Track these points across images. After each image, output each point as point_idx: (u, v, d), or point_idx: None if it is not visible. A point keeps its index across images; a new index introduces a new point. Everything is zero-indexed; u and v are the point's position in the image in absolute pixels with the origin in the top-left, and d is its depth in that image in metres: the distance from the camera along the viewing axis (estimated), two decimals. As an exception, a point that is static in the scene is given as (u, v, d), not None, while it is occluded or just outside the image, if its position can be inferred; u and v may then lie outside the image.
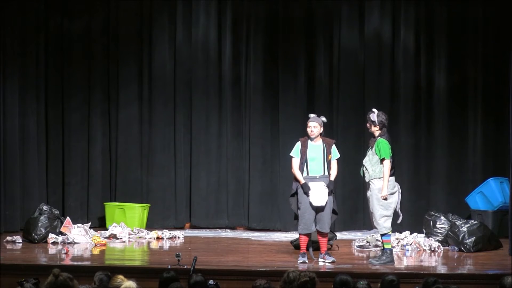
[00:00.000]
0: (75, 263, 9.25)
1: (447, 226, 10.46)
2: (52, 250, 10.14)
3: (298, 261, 8.97)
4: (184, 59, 12.53)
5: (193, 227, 12.49)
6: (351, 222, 12.24)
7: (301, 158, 8.98)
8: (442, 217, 10.62)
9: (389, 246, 9.03)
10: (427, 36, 12.21)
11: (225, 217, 12.48)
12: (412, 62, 12.23)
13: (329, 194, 8.92)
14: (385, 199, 8.78)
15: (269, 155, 12.51)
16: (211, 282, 6.14)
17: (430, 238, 10.42)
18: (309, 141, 9.02)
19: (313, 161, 8.95)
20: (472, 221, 10.38)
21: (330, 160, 8.97)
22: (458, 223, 10.30)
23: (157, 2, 12.52)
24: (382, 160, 8.83)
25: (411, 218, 11.93)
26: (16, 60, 11.68)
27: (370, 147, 8.97)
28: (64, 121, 12.43)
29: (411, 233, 10.66)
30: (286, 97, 12.39)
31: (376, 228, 8.94)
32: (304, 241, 9.11)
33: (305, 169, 8.97)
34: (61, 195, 12.41)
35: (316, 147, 8.99)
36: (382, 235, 8.98)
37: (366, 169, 8.90)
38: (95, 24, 12.45)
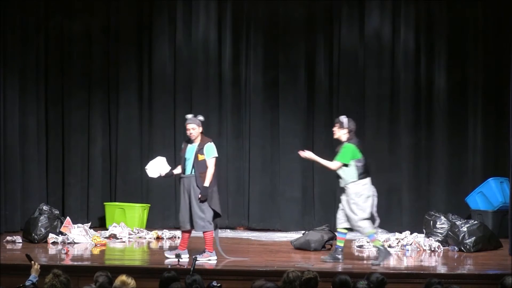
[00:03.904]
0: (75, 263, 9.25)
1: (447, 226, 10.46)
2: (52, 250, 10.14)
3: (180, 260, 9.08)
4: (184, 59, 12.52)
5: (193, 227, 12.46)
6: (351, 222, 12.22)
7: (181, 158, 9.15)
8: (442, 217, 10.62)
9: (379, 243, 9.08)
10: (427, 36, 12.21)
11: (225, 217, 12.45)
12: (412, 62, 12.23)
13: (202, 200, 9.00)
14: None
15: (269, 155, 12.51)
16: (214, 283, 6.14)
17: (430, 238, 10.42)
18: (188, 142, 9.15)
19: (187, 161, 9.09)
20: (472, 221, 10.38)
21: (202, 160, 9.05)
22: (458, 223, 10.30)
23: (157, 2, 12.52)
24: (345, 164, 8.89)
25: (411, 218, 11.96)
26: (16, 60, 11.67)
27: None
28: (64, 121, 12.44)
29: (411, 233, 10.66)
30: (286, 97, 12.39)
31: (358, 231, 9.06)
32: (183, 238, 9.27)
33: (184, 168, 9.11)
34: (61, 195, 12.41)
35: (191, 147, 9.12)
36: (368, 236, 9.06)
37: (340, 176, 8.97)
38: (95, 24, 12.45)
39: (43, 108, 12.20)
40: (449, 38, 12.15)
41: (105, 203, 12.20)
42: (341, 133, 9.00)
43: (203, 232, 9.15)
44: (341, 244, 9.11)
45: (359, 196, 8.88)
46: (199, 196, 9.00)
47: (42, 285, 5.84)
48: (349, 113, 12.19)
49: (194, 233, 11.89)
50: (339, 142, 9.05)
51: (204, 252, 9.13)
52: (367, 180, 8.96)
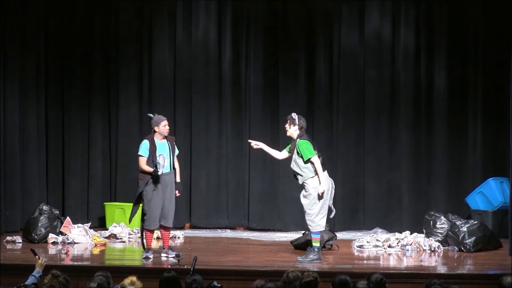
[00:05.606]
0: (75, 263, 9.26)
1: (447, 226, 10.46)
2: (52, 250, 10.15)
3: (142, 256, 9.27)
4: (184, 59, 12.52)
5: (193, 227, 12.48)
6: (351, 222, 12.24)
7: (151, 156, 9.18)
8: (442, 217, 10.62)
9: (318, 244, 9.13)
10: (427, 36, 12.20)
11: (225, 217, 12.48)
12: (412, 62, 12.22)
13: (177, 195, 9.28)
14: (321, 196, 8.91)
15: (269, 155, 12.48)
16: (215, 283, 6.15)
17: (430, 238, 10.42)
18: (155, 139, 9.24)
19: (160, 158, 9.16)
20: (472, 221, 10.38)
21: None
22: (458, 223, 10.31)
23: (157, 2, 12.52)
24: (308, 160, 8.99)
25: (411, 218, 11.96)
26: (16, 61, 11.67)
27: (293, 152, 9.13)
28: (64, 121, 12.44)
29: (411, 233, 10.66)
30: (286, 97, 12.39)
31: (310, 226, 9.08)
32: (150, 237, 9.39)
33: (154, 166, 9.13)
34: (61, 195, 12.42)
35: (162, 144, 9.26)
36: (313, 233, 9.10)
37: (297, 173, 9.09)
38: (95, 24, 12.46)
39: (43, 109, 12.20)
40: (449, 38, 12.14)
41: (105, 203, 12.20)
42: (292, 130, 9.16)
43: (167, 229, 9.32)
44: (317, 244, 9.13)
45: (317, 191, 8.95)
46: (177, 192, 9.22)
47: (42, 286, 5.84)
48: (349, 113, 12.31)
49: (194, 234, 11.93)
50: (290, 139, 9.17)
51: (170, 249, 9.27)
52: (324, 172, 9.07)
